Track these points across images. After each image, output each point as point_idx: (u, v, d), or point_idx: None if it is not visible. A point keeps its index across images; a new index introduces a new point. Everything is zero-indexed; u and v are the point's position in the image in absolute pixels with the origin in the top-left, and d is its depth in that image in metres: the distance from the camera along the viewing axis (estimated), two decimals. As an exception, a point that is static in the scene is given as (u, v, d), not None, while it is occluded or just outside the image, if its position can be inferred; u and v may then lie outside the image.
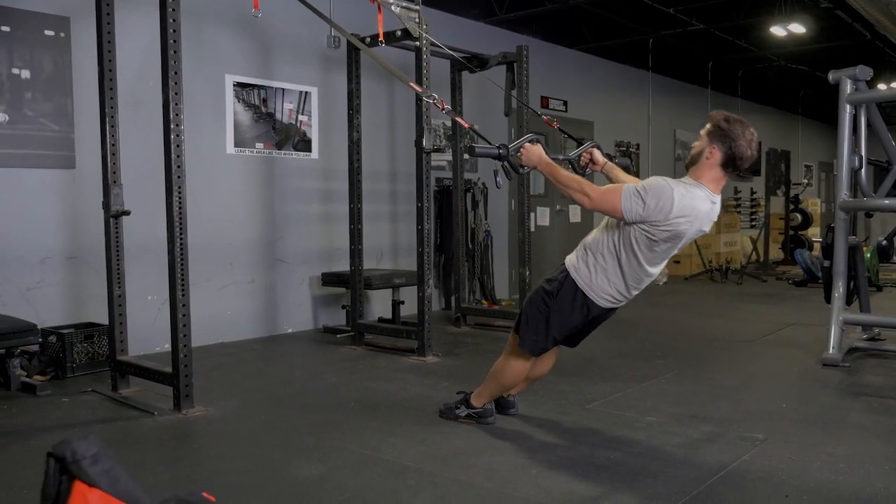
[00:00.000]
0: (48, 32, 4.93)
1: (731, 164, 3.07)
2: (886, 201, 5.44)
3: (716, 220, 3.23)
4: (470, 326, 6.62)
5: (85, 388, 4.41)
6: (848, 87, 5.13)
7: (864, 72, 5.10)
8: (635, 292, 3.32)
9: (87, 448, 0.95)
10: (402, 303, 6.31)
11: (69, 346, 4.65)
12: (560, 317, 3.32)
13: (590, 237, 3.34)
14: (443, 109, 3.64)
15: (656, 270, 3.29)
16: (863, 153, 5.22)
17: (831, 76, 5.22)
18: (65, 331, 4.70)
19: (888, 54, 11.18)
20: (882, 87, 12.19)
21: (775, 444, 3.35)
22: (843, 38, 10.42)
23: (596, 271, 3.24)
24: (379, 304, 6.85)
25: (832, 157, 6.11)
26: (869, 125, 5.27)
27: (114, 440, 3.48)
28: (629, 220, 3.07)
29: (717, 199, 3.15)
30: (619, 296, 3.29)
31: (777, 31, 9.74)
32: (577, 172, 3.66)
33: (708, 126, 3.11)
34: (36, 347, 4.67)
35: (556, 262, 3.49)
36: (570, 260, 3.35)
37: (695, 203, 3.05)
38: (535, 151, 3.28)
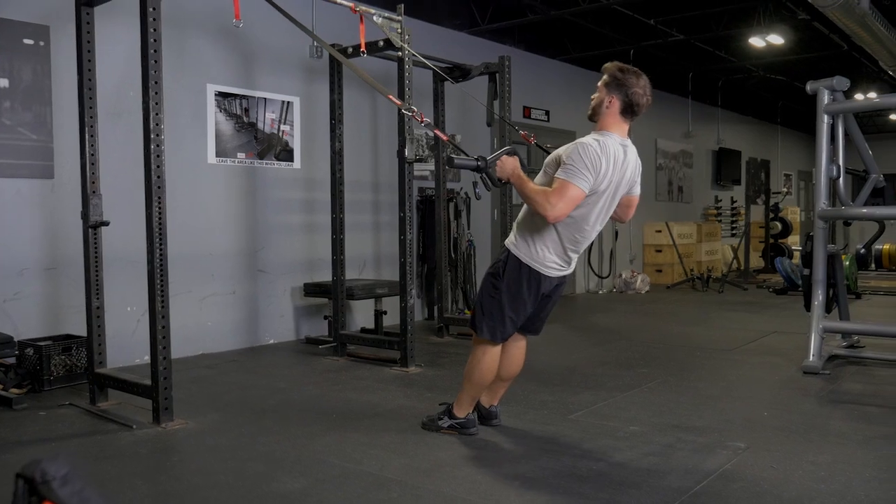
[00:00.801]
0: (27, 41, 4.89)
1: (629, 111, 3.30)
2: (864, 210, 5.50)
3: (638, 167, 3.42)
4: (453, 336, 6.60)
5: (62, 401, 4.35)
6: (826, 98, 5.19)
7: (842, 82, 5.15)
8: (574, 255, 3.42)
9: (58, 468, 0.93)
10: (385, 313, 6.29)
11: (46, 358, 4.59)
12: (511, 295, 3.39)
13: (520, 215, 3.45)
14: (422, 122, 3.65)
15: (590, 231, 3.38)
16: (841, 162, 5.27)
17: (809, 87, 5.27)
18: (42, 343, 4.64)
19: (865, 65, 11.32)
20: (859, 97, 12.33)
21: (757, 453, 3.36)
22: (821, 49, 10.54)
23: (534, 241, 3.34)
24: (361, 315, 6.83)
25: (811, 167, 6.17)
26: (846, 135, 5.33)
27: (91, 454, 3.44)
28: (591, 191, 3.18)
29: (628, 142, 3.36)
30: (561, 261, 3.38)
31: (756, 42, 9.84)
32: None
33: (605, 77, 3.32)
34: (12, 360, 4.60)
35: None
36: (509, 239, 3.47)
37: (611, 150, 3.22)
38: (509, 163, 3.33)
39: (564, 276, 3.47)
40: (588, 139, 3.24)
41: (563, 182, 3.16)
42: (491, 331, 3.44)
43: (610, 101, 3.29)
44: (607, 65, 3.35)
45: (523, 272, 3.36)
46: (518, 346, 3.65)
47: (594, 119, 3.37)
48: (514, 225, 3.48)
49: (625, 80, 3.26)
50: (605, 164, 3.20)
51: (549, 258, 3.35)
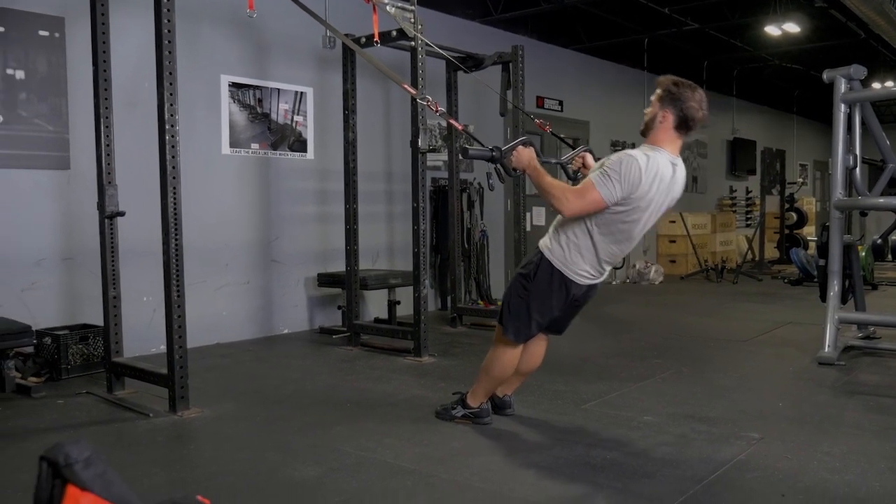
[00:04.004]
0: (42, 33, 4.91)
1: (684, 126, 3.18)
2: (881, 200, 5.45)
3: (683, 185, 3.28)
4: (466, 327, 6.61)
5: (80, 389, 4.40)
6: (842, 87, 5.14)
7: (859, 71, 5.11)
8: (608, 267, 3.36)
9: (80, 452, 0.94)
10: (398, 303, 6.31)
11: (64, 347, 4.64)
12: (540, 299, 3.34)
13: (558, 217, 3.37)
14: (437, 112, 3.64)
15: (628, 245, 3.32)
16: (857, 152, 5.23)
17: (826, 75, 5.23)
18: (60, 332, 4.69)
19: (882, 53, 11.21)
20: (876, 85, 12.22)
21: (771, 443, 3.35)
22: (838, 37, 10.44)
23: (569, 248, 3.27)
24: (375, 305, 6.85)
25: (827, 156, 6.13)
26: (863, 124, 5.28)
27: (108, 442, 3.48)
28: (612, 203, 3.11)
29: (679, 161, 3.23)
30: (594, 271, 3.32)
31: (772, 30, 9.76)
32: (568, 176, 3.67)
33: (658, 91, 3.21)
34: (31, 349, 4.65)
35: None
36: (544, 242, 3.39)
37: (659, 168, 3.12)
38: (525, 154, 3.28)
39: (596, 284, 3.41)
40: (637, 153, 3.12)
41: (590, 185, 3.11)
42: (515, 331, 3.42)
43: (664, 116, 3.16)
44: (661, 78, 3.23)
45: (555, 277, 3.30)
46: (539, 344, 3.63)
47: (646, 134, 3.24)
48: (552, 227, 3.39)
49: (679, 93, 3.14)
50: (647, 182, 3.08)
51: (582, 266, 3.28)
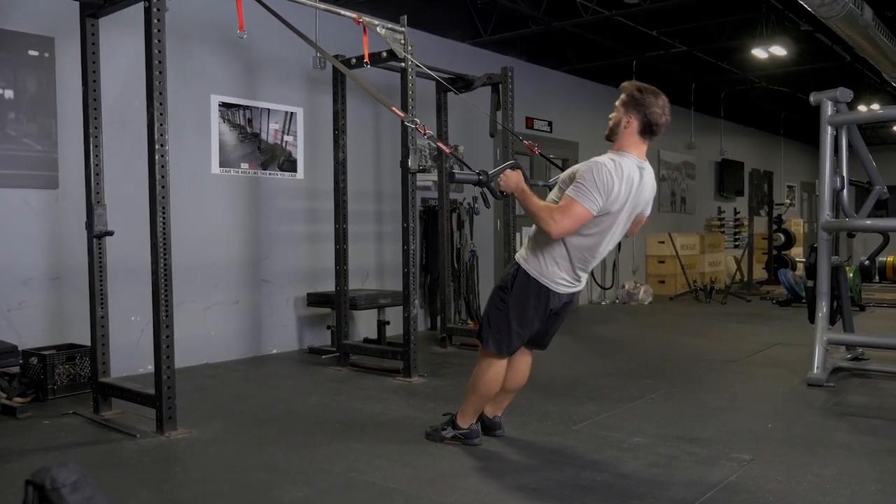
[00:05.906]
0: (32, 52, 4.91)
1: (648, 131, 3.23)
2: (868, 221, 5.49)
3: (654, 189, 3.38)
4: (456, 347, 6.59)
5: (66, 410, 4.35)
6: (829, 109, 5.19)
7: (845, 94, 5.16)
8: (583, 274, 3.40)
9: (67, 475, 0.93)
10: (388, 323, 6.29)
11: (50, 367, 4.59)
12: (518, 309, 3.37)
13: (533, 229, 3.41)
14: (425, 135, 3.66)
15: (602, 250, 3.35)
16: (844, 174, 5.27)
17: (812, 98, 5.28)
18: (46, 352, 4.65)
19: (867, 76, 11.34)
20: (862, 108, 12.34)
21: (762, 465, 3.35)
22: (824, 60, 10.56)
23: (545, 258, 3.31)
24: (364, 325, 6.82)
25: (814, 178, 6.17)
26: (850, 146, 5.33)
27: (95, 463, 3.43)
28: (598, 213, 3.15)
29: (646, 164, 3.31)
30: (570, 278, 3.36)
31: (759, 53, 9.86)
32: None
33: (622, 97, 3.27)
34: (17, 369, 4.60)
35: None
36: (520, 253, 3.44)
37: (628, 172, 3.19)
38: (513, 178, 3.32)
39: (573, 294, 3.45)
40: (604, 159, 3.19)
41: (570, 200, 3.14)
42: (497, 344, 3.43)
43: (628, 121, 3.22)
44: (625, 84, 3.29)
45: (532, 287, 3.34)
46: (524, 360, 3.64)
47: (612, 139, 3.30)
48: (527, 239, 3.45)
49: (643, 99, 3.19)
50: (619, 186, 3.15)
51: (558, 274, 3.32)
